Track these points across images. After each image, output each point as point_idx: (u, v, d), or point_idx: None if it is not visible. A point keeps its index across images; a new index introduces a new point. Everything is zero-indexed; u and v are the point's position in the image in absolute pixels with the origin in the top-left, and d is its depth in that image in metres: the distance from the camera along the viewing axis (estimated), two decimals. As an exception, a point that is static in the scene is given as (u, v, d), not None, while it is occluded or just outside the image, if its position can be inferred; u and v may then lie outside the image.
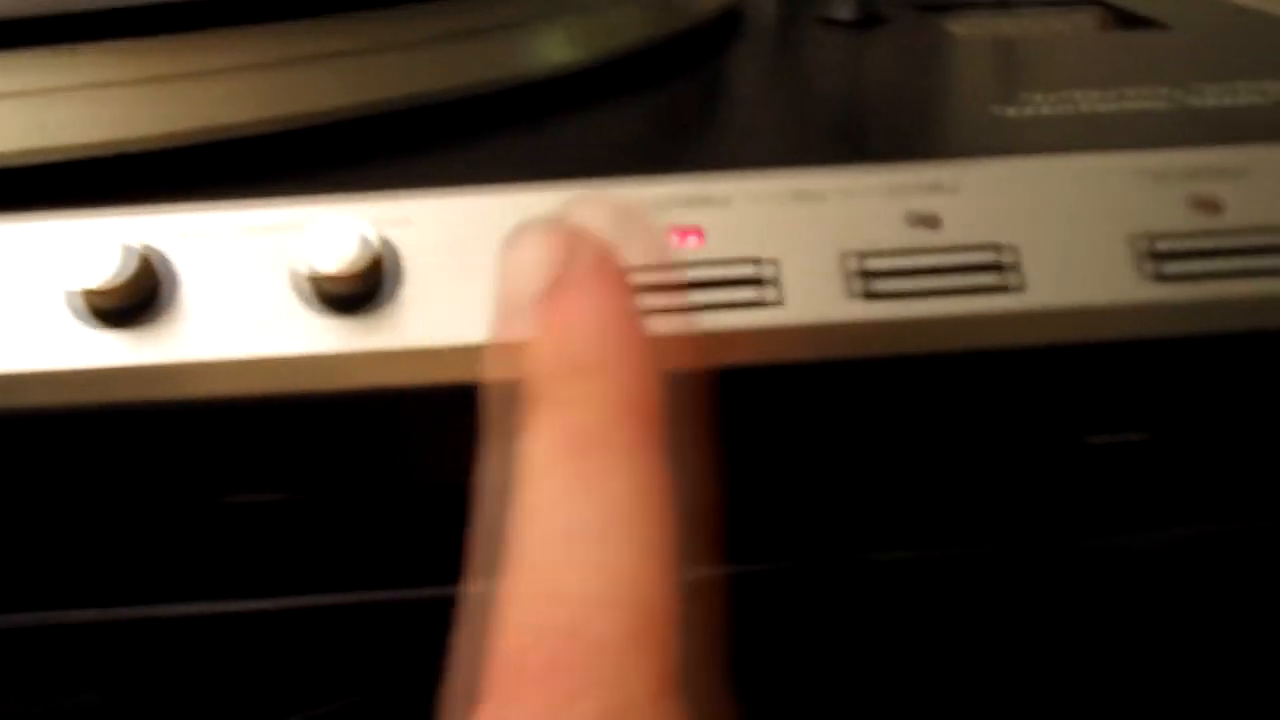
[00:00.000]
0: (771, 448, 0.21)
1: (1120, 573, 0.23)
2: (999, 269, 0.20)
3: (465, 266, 0.20)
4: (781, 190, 0.20)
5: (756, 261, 0.20)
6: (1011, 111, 0.24)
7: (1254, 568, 0.22)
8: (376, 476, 0.21)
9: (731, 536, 0.22)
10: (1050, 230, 0.20)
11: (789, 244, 0.20)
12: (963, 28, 0.34)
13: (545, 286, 0.15)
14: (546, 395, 0.14)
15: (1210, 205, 0.21)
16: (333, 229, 0.20)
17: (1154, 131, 0.23)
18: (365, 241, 0.19)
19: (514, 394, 0.14)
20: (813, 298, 0.20)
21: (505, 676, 0.12)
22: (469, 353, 0.20)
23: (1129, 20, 0.34)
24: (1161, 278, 0.20)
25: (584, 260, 0.15)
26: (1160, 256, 0.20)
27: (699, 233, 0.20)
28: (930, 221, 0.20)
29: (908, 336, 0.20)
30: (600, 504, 0.13)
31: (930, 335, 0.20)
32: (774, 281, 0.20)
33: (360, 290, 0.20)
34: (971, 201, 0.20)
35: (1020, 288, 0.20)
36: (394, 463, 0.21)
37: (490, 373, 0.15)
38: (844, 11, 0.33)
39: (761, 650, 0.24)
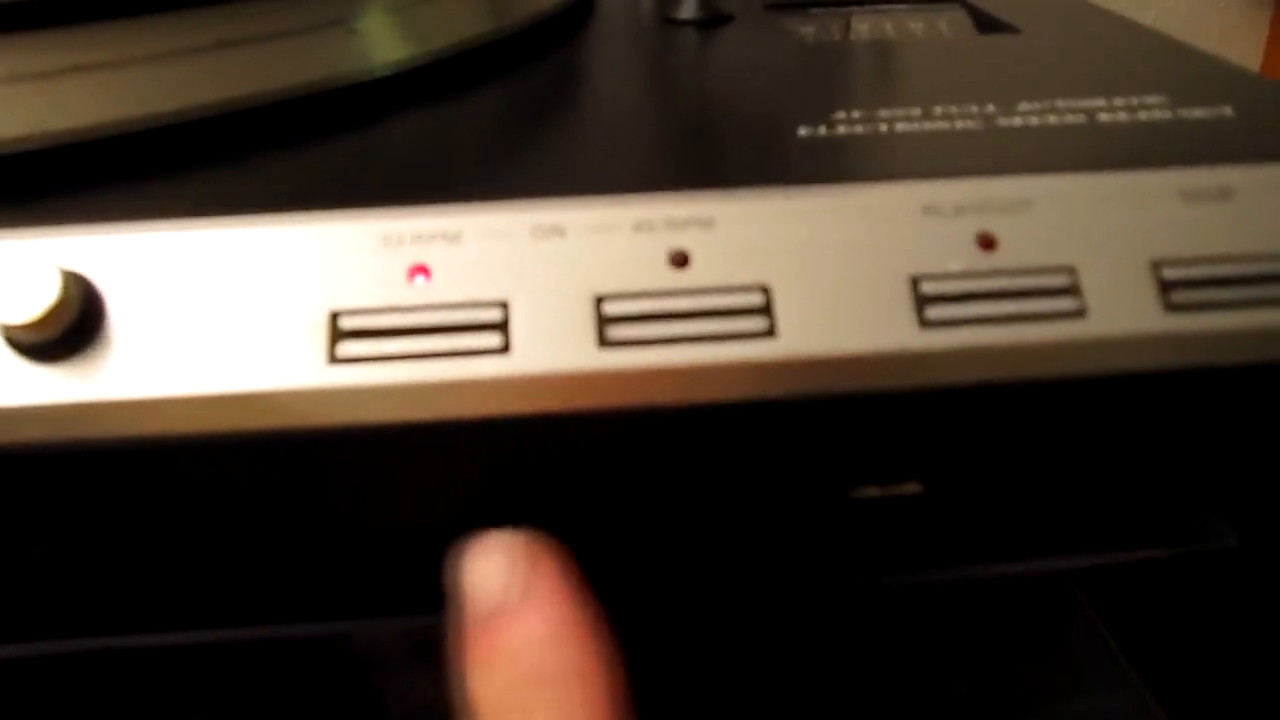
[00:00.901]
0: (526, 504, 0.20)
1: (892, 611, 0.22)
2: (752, 313, 0.18)
3: (177, 310, 0.18)
4: (518, 224, 0.19)
5: (485, 305, 0.18)
6: (814, 132, 0.22)
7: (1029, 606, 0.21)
8: (83, 533, 0.19)
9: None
10: (810, 271, 0.19)
11: (523, 285, 0.18)
12: (812, 30, 0.32)
13: (502, 603, 0.17)
14: (512, 705, 0.17)
15: (988, 242, 0.19)
16: (19, 273, 0.18)
17: (949, 158, 0.21)
18: (58, 286, 0.18)
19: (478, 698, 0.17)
20: (546, 345, 0.18)
21: None
22: (179, 405, 0.18)
23: (986, 24, 0.32)
24: (927, 323, 0.19)
25: (539, 578, 0.18)
26: (926, 300, 0.19)
27: (425, 271, 0.18)
28: (680, 259, 0.19)
29: (651, 387, 0.18)
30: None
31: (676, 385, 0.18)
32: (502, 327, 0.18)
33: (53, 338, 0.18)
34: (726, 239, 0.19)
35: (772, 333, 0.18)
36: (104, 518, 0.19)
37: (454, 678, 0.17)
38: (686, 10, 0.31)
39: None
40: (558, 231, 0.19)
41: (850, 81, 0.26)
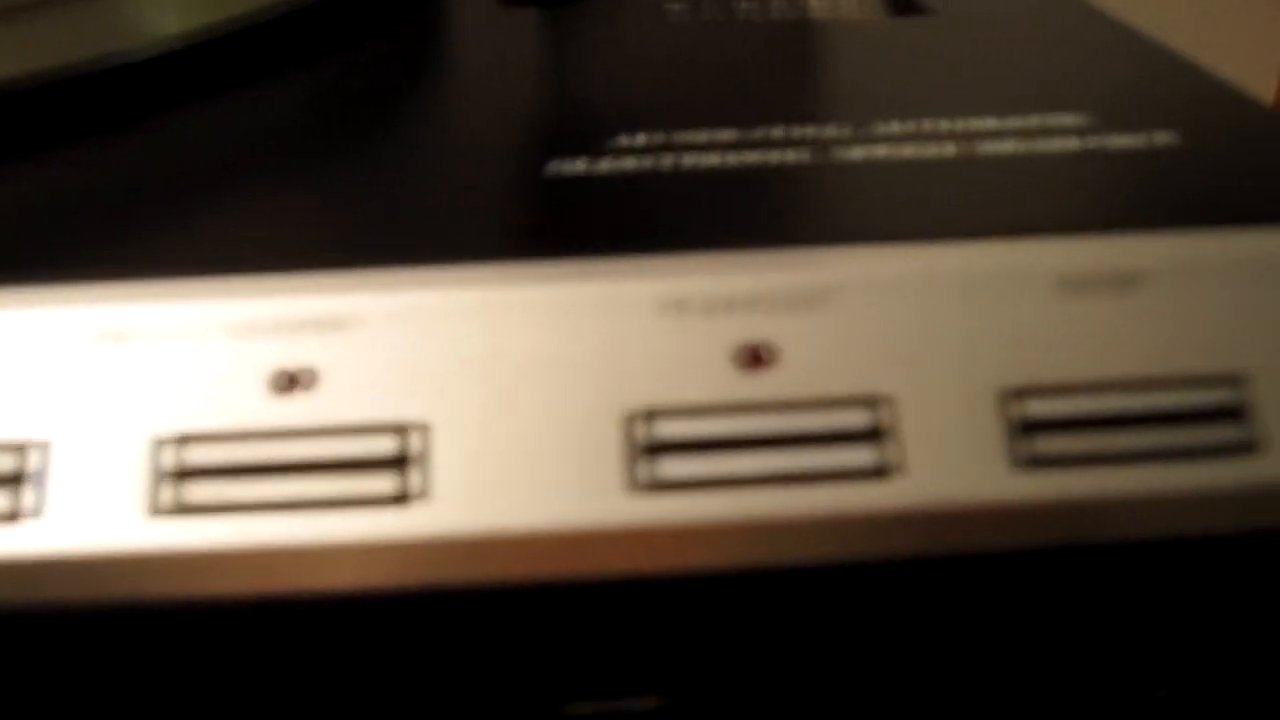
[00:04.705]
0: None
1: None
2: (381, 466, 0.12)
3: None
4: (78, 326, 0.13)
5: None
6: (568, 168, 0.16)
7: None
8: None
9: None
10: (484, 402, 0.13)
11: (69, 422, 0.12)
12: (683, 7, 0.26)
13: None
14: None
15: (755, 357, 0.13)
16: None
17: (730, 220, 0.15)
18: None
19: None
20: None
21: None
22: None
23: (902, 3, 0.25)
24: (647, 485, 0.12)
25: None
26: (652, 449, 0.12)
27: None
28: (286, 382, 0.13)
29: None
30: None
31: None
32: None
33: None
34: (361, 353, 0.13)
35: (404, 499, 0.12)
36: None
37: None
38: (522, -15, 0.25)
39: None
40: (116, 338, 0.13)
41: (674, 85, 0.20)
